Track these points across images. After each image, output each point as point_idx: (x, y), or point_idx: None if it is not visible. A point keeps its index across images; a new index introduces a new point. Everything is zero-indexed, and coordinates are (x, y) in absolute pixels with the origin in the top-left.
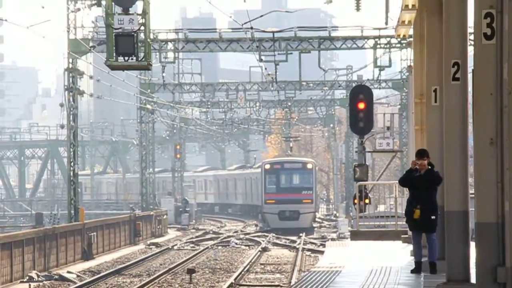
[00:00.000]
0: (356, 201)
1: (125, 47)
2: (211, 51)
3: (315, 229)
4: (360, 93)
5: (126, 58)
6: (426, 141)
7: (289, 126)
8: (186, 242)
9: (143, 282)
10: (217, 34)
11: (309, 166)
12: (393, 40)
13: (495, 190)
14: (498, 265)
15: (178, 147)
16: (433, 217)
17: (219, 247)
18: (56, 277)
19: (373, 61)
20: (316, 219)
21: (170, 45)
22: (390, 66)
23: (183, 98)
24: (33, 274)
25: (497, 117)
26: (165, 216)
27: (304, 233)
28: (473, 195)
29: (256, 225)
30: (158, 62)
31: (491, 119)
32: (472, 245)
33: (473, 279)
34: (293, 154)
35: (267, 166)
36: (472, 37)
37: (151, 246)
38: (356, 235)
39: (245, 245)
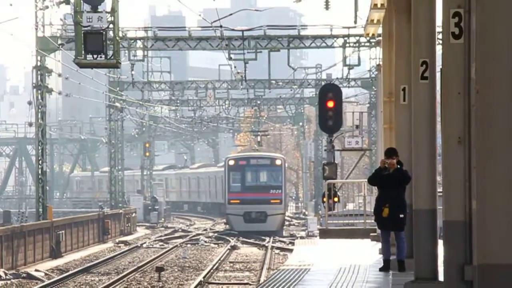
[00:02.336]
0: (325, 199)
1: (94, 45)
2: (180, 49)
3: (284, 227)
4: (329, 91)
5: (95, 56)
6: (394, 140)
7: (259, 124)
8: (155, 240)
9: (111, 280)
10: (187, 32)
11: (278, 162)
12: (362, 39)
13: (462, 188)
14: (465, 263)
15: (147, 145)
16: (401, 215)
17: (188, 245)
18: (24, 275)
19: (342, 59)
20: (286, 221)
21: (139, 43)
22: (359, 65)
23: (152, 96)
24: (1, 272)
25: (465, 116)
26: (134, 214)
27: (270, 242)
28: (441, 194)
29: (225, 223)
30: (127, 60)
31: (459, 118)
32: (440, 243)
33: (441, 277)
34: (261, 149)
35: (231, 162)
36: (440, 36)
37: (119, 244)
38: (325, 233)
39: (214, 243)
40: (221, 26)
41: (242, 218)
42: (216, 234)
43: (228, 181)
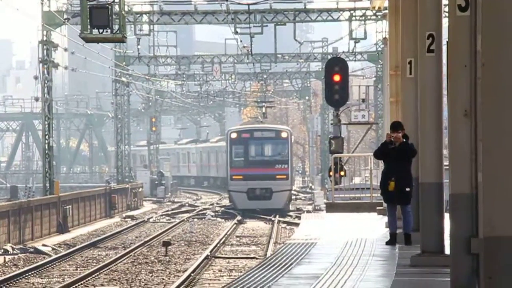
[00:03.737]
0: (331, 173)
1: (99, 19)
2: (186, 24)
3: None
4: (336, 65)
5: (101, 30)
6: (401, 113)
7: (265, 98)
8: (161, 215)
9: (118, 255)
10: (192, 7)
11: (284, 135)
12: (368, 12)
13: (469, 161)
14: (471, 236)
15: (153, 120)
16: (407, 189)
17: (195, 220)
18: (31, 250)
19: (348, 33)
20: (292, 196)
21: (145, 18)
22: (365, 38)
23: (158, 71)
24: (8, 247)
25: (471, 89)
26: (140, 189)
27: (277, 216)
28: (447, 167)
29: (229, 201)
30: (133, 34)
31: (465, 91)
32: (447, 216)
33: (447, 250)
34: (266, 121)
35: (234, 135)
36: (446, 9)
37: (126, 219)
38: (331, 207)
39: (221, 218)
40: (227, 0)
41: (246, 195)
42: (222, 209)
43: (230, 155)
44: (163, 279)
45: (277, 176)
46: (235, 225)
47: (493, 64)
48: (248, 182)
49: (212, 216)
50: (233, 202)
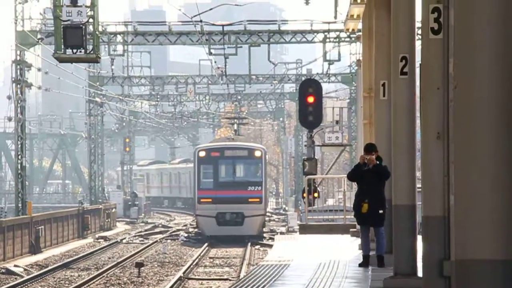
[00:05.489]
0: (305, 195)
1: (73, 39)
2: (161, 44)
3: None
4: (310, 87)
5: (75, 50)
6: (374, 135)
7: (238, 115)
8: (134, 236)
9: (91, 276)
10: (167, 27)
11: (258, 153)
12: (342, 34)
13: (441, 184)
14: (444, 259)
15: (127, 140)
16: (381, 211)
17: (168, 241)
18: (3, 270)
19: (322, 55)
20: (266, 220)
21: (119, 38)
22: (339, 60)
23: (133, 91)
24: None
25: (444, 112)
26: (113, 210)
27: (249, 245)
28: (420, 189)
29: (195, 227)
30: (107, 54)
31: (438, 113)
32: (419, 238)
33: (420, 273)
34: (238, 139)
35: (202, 154)
36: (420, 31)
37: (99, 240)
38: (305, 229)
39: (194, 239)
40: (201, 21)
41: (215, 220)
42: (196, 230)
43: (198, 176)
44: None
45: (250, 199)
46: (208, 247)
47: (465, 87)
48: (217, 206)
49: (185, 237)
50: (201, 228)
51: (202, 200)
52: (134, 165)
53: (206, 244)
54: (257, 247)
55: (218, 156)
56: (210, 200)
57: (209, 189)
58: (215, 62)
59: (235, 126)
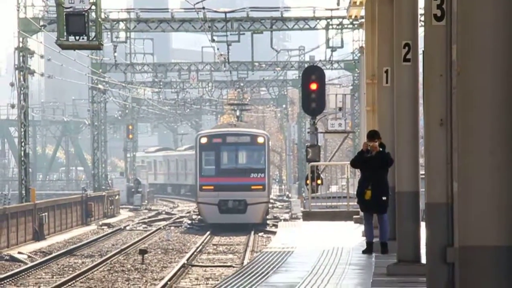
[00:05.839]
0: (308, 182)
1: (76, 26)
2: (163, 31)
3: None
4: (312, 74)
5: (77, 37)
6: (377, 122)
7: (241, 101)
8: (138, 223)
9: (95, 263)
10: (169, 14)
11: (260, 140)
12: (345, 21)
13: (444, 170)
14: (447, 245)
15: (130, 127)
16: (384, 198)
17: (172, 228)
18: (7, 257)
19: (325, 42)
20: (269, 207)
21: (121, 25)
22: (342, 47)
23: (135, 78)
24: None
25: (447, 98)
26: (117, 197)
27: (252, 235)
28: (423, 176)
29: (197, 214)
30: (109, 41)
31: (441, 100)
32: (423, 225)
33: (423, 259)
34: (240, 125)
35: (204, 140)
36: (423, 18)
37: (103, 227)
38: (308, 216)
39: (198, 226)
40: (203, 8)
41: (217, 207)
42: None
43: (200, 163)
44: (139, 287)
45: (253, 187)
46: (210, 235)
47: (469, 74)
48: (219, 193)
49: (188, 224)
50: (203, 216)
51: (203, 187)
52: (142, 152)
53: (208, 232)
54: (260, 234)
55: (220, 142)
56: (212, 187)
57: (211, 176)
58: (218, 49)
59: (238, 112)
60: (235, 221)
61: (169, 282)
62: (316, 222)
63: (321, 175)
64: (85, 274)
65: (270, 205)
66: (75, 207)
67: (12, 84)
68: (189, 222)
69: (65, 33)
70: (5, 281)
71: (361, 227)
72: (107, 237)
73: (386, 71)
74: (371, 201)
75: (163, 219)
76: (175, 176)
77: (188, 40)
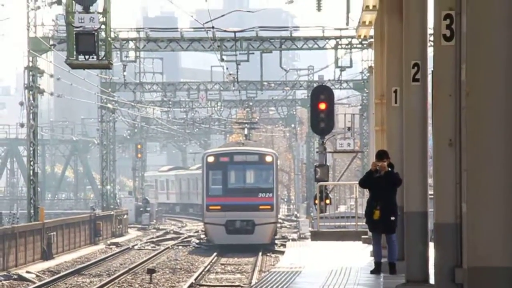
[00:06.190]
0: (316, 201)
1: (85, 45)
2: (173, 50)
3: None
4: (321, 93)
5: (87, 56)
6: (386, 142)
7: (250, 120)
8: (146, 242)
9: (103, 282)
10: (179, 34)
11: (269, 159)
12: (354, 41)
13: (453, 191)
14: (456, 266)
15: (139, 146)
16: (392, 218)
17: (180, 247)
18: (15, 277)
19: (334, 61)
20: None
21: (131, 44)
22: (351, 66)
23: (144, 98)
24: None
25: (456, 118)
26: (125, 216)
27: (260, 255)
28: (432, 196)
29: (204, 235)
30: (119, 61)
31: (450, 120)
32: (431, 245)
33: (432, 280)
34: (248, 143)
35: (211, 159)
36: (432, 38)
37: (111, 246)
38: (316, 236)
39: (206, 245)
40: (213, 27)
41: (224, 228)
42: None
43: (207, 182)
44: None
45: (261, 207)
46: (216, 256)
47: (478, 94)
48: (226, 214)
49: (197, 244)
50: (209, 237)
51: (210, 207)
52: (155, 171)
53: (215, 254)
54: (268, 253)
55: (228, 161)
56: (219, 207)
57: (218, 195)
58: (227, 68)
59: (246, 131)
60: (243, 242)
61: None
62: (324, 242)
63: (330, 195)
64: None
65: (279, 225)
66: (83, 226)
67: (21, 103)
68: (197, 241)
69: (74, 52)
70: None
71: (370, 247)
72: (115, 256)
73: (395, 91)
74: (379, 221)
75: (171, 239)
76: (186, 195)
77: (198, 60)
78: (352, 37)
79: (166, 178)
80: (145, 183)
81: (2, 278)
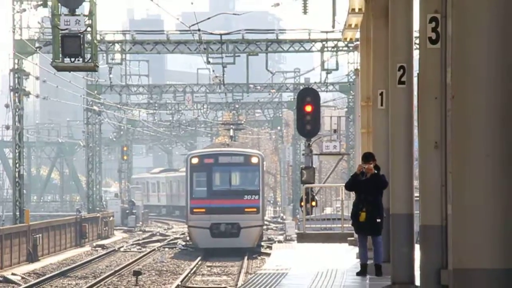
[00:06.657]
0: (302, 203)
1: (71, 48)
2: (159, 53)
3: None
4: (307, 96)
5: (73, 59)
6: (372, 144)
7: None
8: (132, 244)
9: (88, 284)
10: (165, 36)
11: (254, 160)
12: (340, 44)
13: (439, 193)
14: (441, 268)
15: (125, 148)
16: (378, 220)
17: (166, 249)
18: (0, 279)
19: (320, 64)
20: (264, 236)
21: (117, 47)
22: (337, 69)
23: (130, 100)
24: None
25: (442, 121)
26: (111, 218)
27: (246, 258)
28: (418, 198)
29: (188, 239)
30: (105, 63)
31: (435, 122)
32: (417, 247)
33: (417, 281)
34: (233, 144)
35: (195, 160)
36: (417, 41)
37: (97, 248)
38: (302, 238)
39: (192, 247)
40: (199, 30)
41: (209, 231)
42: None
43: (191, 185)
44: None
45: (246, 209)
46: (200, 260)
47: (463, 96)
48: (211, 216)
49: (183, 246)
50: (194, 240)
51: (195, 210)
52: (147, 173)
53: (199, 258)
54: (254, 255)
55: (212, 163)
56: (203, 210)
57: (203, 198)
58: (213, 71)
59: (231, 132)
60: (228, 245)
61: None
62: (310, 244)
63: (316, 197)
64: None
65: (265, 227)
66: (69, 228)
67: (7, 106)
68: (184, 243)
69: (60, 55)
70: None
71: (356, 249)
72: (101, 258)
73: (381, 94)
74: (365, 223)
75: (157, 241)
76: (176, 197)
77: (184, 62)
78: (338, 40)
79: (157, 180)
80: (132, 185)
81: None
